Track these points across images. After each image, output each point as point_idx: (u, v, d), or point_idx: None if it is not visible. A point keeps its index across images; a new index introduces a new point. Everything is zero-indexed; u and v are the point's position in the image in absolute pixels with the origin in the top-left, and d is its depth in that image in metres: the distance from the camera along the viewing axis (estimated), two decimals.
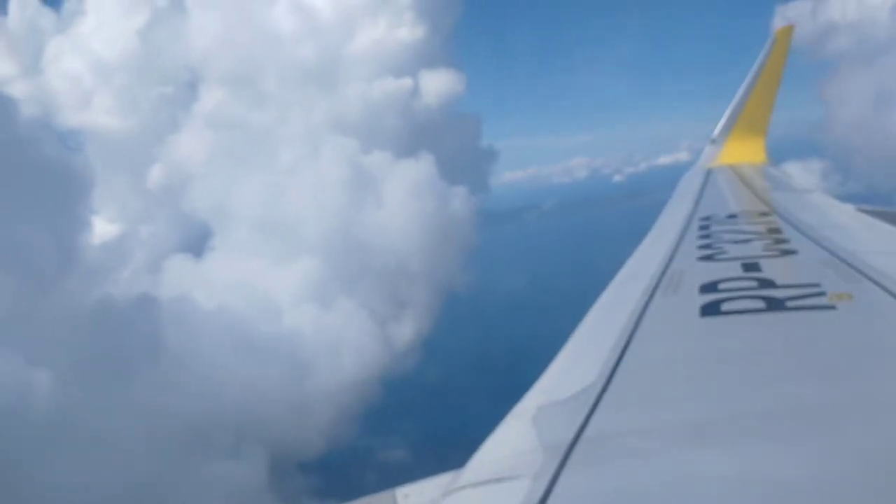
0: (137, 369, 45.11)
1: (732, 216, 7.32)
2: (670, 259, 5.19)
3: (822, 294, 3.61)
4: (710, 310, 3.61)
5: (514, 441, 2.52)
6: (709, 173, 11.29)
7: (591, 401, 2.61)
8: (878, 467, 1.88)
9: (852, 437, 2.09)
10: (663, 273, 4.70)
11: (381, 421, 51.40)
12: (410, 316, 67.87)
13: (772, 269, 4.42)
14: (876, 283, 3.78)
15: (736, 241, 5.57)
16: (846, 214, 6.98)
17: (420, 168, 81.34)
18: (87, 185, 56.79)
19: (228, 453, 44.21)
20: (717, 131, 13.22)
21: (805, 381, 2.61)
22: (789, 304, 3.52)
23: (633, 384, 2.84)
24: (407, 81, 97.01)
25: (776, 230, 6.04)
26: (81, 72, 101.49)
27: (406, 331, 65.96)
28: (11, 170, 48.25)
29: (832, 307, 3.40)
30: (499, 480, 2.18)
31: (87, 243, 54.80)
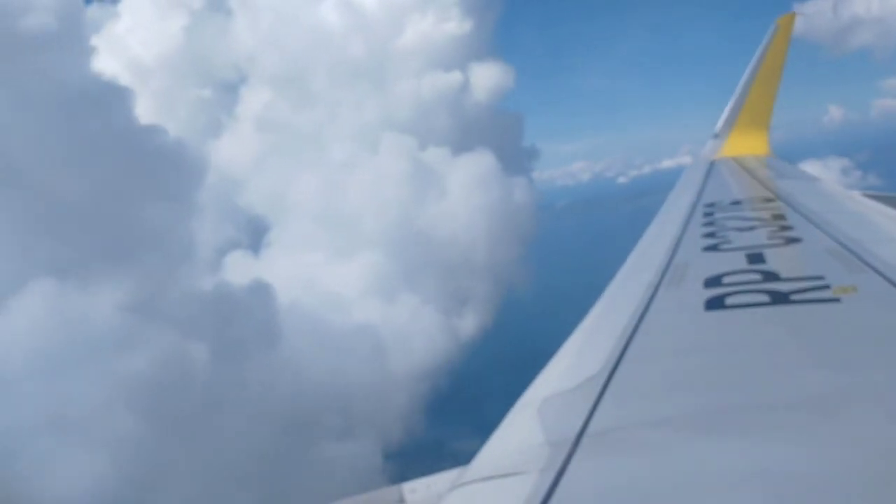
0: (251, 352, 48.14)
1: (736, 203, 7.28)
2: (675, 250, 5.18)
3: (826, 287, 3.60)
4: (714, 304, 3.61)
5: (519, 436, 2.54)
6: (712, 165, 11.20)
7: (596, 394, 2.63)
8: (884, 460, 1.89)
9: (858, 430, 2.10)
10: (668, 265, 4.70)
11: (450, 412, 52.30)
12: (472, 308, 69.08)
13: (776, 259, 4.42)
14: (881, 273, 3.77)
15: (740, 229, 5.55)
16: (851, 201, 6.92)
17: (479, 162, 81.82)
18: (201, 171, 59.99)
19: (310, 440, 46.00)
20: (719, 125, 13.07)
21: (810, 374, 2.61)
22: (794, 297, 3.52)
23: (637, 377, 2.85)
24: (453, 77, 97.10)
25: (781, 216, 6.01)
26: (119, 74, 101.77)
27: (469, 323, 67.29)
28: (134, 156, 51.93)
29: (837, 300, 3.40)
30: (505, 475, 2.19)
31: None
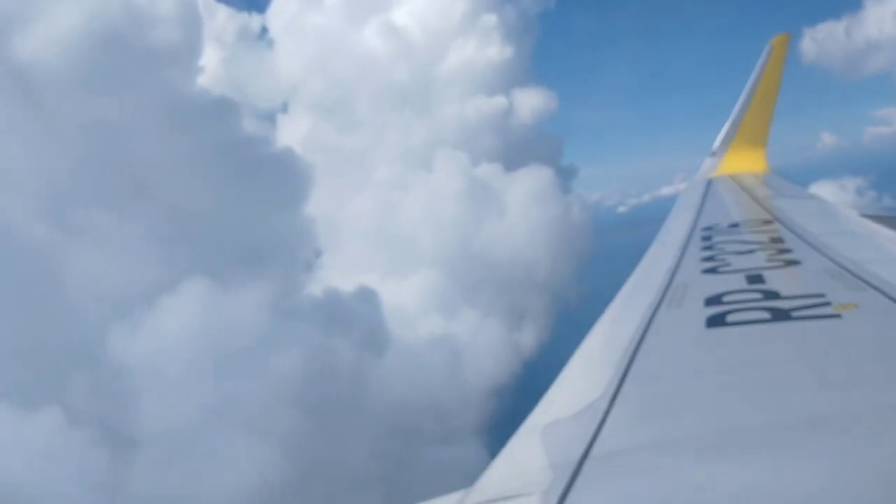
0: (365, 355, 50.08)
1: (734, 225, 7.33)
2: (674, 272, 5.22)
3: (826, 304, 3.61)
4: (715, 321, 3.63)
5: (522, 459, 2.54)
6: (709, 184, 11.23)
7: (599, 416, 2.63)
8: (886, 478, 1.89)
9: (860, 448, 2.10)
10: (667, 286, 4.73)
11: (509, 428, 53.62)
12: (530, 324, 70.16)
13: (776, 280, 4.44)
14: (880, 291, 3.77)
15: (739, 252, 5.59)
16: (849, 221, 6.99)
17: (532, 178, 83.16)
18: (308, 181, 62.09)
19: (413, 444, 47.55)
20: (717, 143, 13.25)
21: (812, 391, 2.62)
22: (794, 314, 3.53)
23: (640, 398, 2.86)
24: (494, 101, 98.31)
25: (779, 239, 6.06)
26: None
27: (527, 338, 68.22)
28: (246, 167, 55.34)
29: (837, 316, 3.41)
30: (508, 498, 2.19)
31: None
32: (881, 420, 2.27)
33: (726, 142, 13.10)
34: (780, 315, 3.56)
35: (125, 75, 51.23)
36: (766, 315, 3.59)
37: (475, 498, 2.30)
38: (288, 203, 56.98)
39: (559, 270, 78.97)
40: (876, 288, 3.86)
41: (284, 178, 57.97)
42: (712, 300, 4.06)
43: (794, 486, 1.92)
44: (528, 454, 2.52)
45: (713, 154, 13.16)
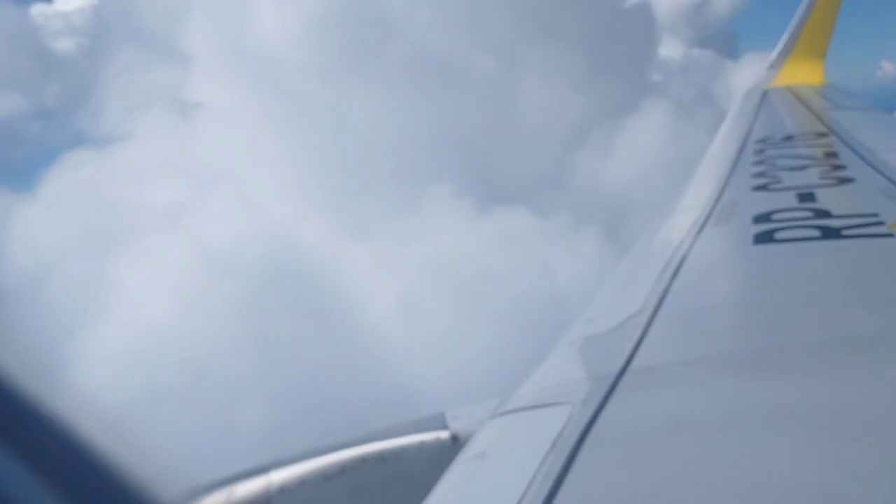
0: None
1: (789, 138, 7.16)
2: (723, 187, 5.14)
3: (880, 223, 3.52)
4: (763, 238, 3.58)
5: (562, 369, 2.58)
6: (765, 94, 10.92)
7: (640, 330, 2.62)
8: None
9: None
10: (716, 202, 4.67)
11: None
12: None
13: (828, 198, 4.36)
14: None
15: (791, 168, 5.48)
16: None
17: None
18: (660, 35, 67.97)
19: None
20: (774, 55, 12.75)
21: (861, 309, 2.58)
22: (846, 232, 3.46)
23: (682, 313, 2.85)
24: None
25: (833, 154, 5.93)
26: None
27: None
28: (613, 18, 61.42)
29: (890, 235, 3.33)
30: (546, 406, 2.21)
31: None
32: None
33: (784, 54, 12.65)
34: (831, 233, 3.49)
35: None
36: (815, 233, 3.53)
37: (514, 404, 2.34)
38: (649, 54, 62.20)
39: None
40: None
41: (648, 29, 63.28)
42: (761, 218, 4.00)
43: (834, 404, 1.89)
44: (568, 365, 2.59)
45: (770, 67, 12.69)
